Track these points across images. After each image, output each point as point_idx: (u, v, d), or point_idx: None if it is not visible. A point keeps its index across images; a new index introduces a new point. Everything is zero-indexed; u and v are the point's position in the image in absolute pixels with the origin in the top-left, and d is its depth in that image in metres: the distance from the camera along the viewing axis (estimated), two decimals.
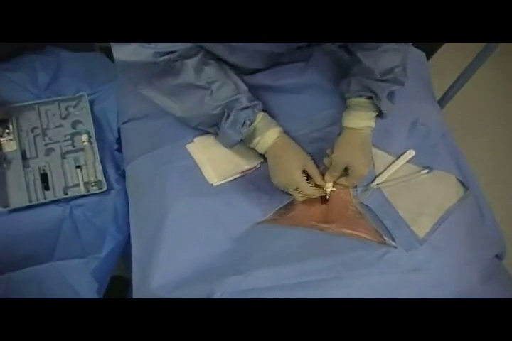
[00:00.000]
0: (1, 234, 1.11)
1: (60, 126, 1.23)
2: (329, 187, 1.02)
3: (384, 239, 0.96)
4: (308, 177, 1.02)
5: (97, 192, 1.16)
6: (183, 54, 0.92)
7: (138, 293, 0.99)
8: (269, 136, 1.02)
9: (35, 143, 1.20)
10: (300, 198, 1.00)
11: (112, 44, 0.94)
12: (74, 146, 1.21)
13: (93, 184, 1.17)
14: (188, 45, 0.93)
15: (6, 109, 1.19)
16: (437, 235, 0.99)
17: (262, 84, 1.14)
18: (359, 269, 0.93)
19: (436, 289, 0.94)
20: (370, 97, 1.01)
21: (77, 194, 1.15)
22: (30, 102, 1.22)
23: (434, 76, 1.35)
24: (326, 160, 1.04)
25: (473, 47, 1.30)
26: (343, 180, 1.03)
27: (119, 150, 1.24)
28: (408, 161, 1.08)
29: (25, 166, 1.16)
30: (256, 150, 1.06)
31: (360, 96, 1.02)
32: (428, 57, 1.40)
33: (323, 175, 1.03)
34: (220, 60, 1.07)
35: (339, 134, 1.05)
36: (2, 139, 1.18)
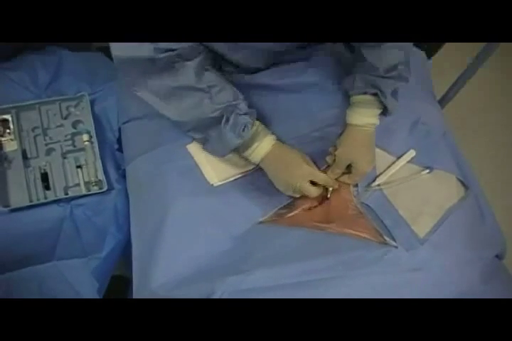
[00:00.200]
0: (1, 234, 1.11)
1: (61, 125, 1.22)
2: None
3: (384, 239, 0.96)
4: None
5: (98, 191, 1.15)
6: (183, 54, 0.91)
7: (138, 292, 0.99)
8: (266, 142, 1.01)
9: (35, 143, 1.19)
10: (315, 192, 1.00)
11: None
12: (74, 146, 1.21)
13: (94, 184, 1.17)
14: (189, 43, 0.93)
15: (6, 109, 1.19)
16: (438, 235, 0.99)
17: (263, 83, 1.14)
18: (359, 269, 0.93)
19: (437, 289, 0.94)
20: (374, 94, 1.01)
21: (78, 194, 1.15)
22: (30, 102, 1.21)
23: (435, 76, 1.35)
24: (328, 158, 1.04)
25: (473, 47, 1.29)
26: (345, 178, 1.03)
27: (120, 150, 1.24)
28: (409, 161, 1.08)
29: (26, 166, 1.16)
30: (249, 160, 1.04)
31: (365, 93, 1.02)
32: (429, 57, 1.40)
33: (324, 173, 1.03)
34: (222, 59, 1.07)
35: (342, 132, 1.05)
36: (3, 139, 1.18)
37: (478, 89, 1.90)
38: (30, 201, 1.13)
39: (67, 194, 1.15)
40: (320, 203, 1.03)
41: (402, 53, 1.00)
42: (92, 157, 1.19)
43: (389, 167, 1.07)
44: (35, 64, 1.29)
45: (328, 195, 1.03)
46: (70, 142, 1.21)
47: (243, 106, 0.98)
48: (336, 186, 1.03)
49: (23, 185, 1.14)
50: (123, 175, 1.20)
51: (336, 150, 1.03)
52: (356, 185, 1.04)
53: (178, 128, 1.04)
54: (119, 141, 1.25)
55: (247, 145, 1.00)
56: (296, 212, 1.02)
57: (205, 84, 0.95)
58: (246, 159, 1.04)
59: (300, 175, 0.99)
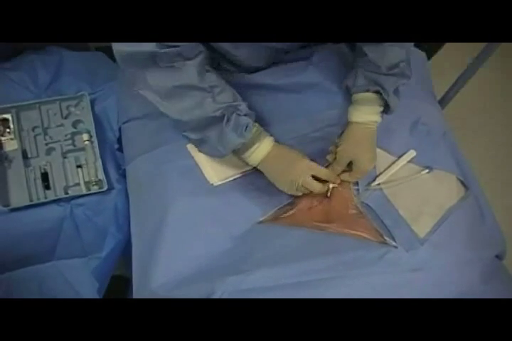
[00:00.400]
0: (1, 234, 1.12)
1: (61, 125, 1.23)
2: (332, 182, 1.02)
3: (384, 239, 0.97)
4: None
5: (98, 191, 1.16)
6: (184, 53, 0.91)
7: (138, 292, 0.99)
8: (266, 143, 1.00)
9: (35, 143, 1.20)
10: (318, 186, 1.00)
11: None
12: (75, 146, 1.21)
13: (94, 183, 1.17)
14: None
15: (6, 108, 1.20)
16: (438, 235, 0.99)
17: (263, 83, 1.14)
18: (359, 269, 0.93)
19: (437, 289, 0.94)
20: (376, 92, 1.01)
21: (78, 193, 1.15)
22: (31, 101, 1.22)
23: (435, 76, 1.35)
24: (329, 157, 1.04)
25: (474, 48, 1.29)
26: (346, 176, 1.03)
27: (120, 149, 1.24)
28: (409, 161, 1.08)
29: (26, 165, 1.17)
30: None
31: (368, 90, 1.02)
32: (429, 57, 1.40)
33: None
34: (222, 58, 1.07)
35: (344, 130, 1.04)
36: (3, 138, 1.18)
37: (478, 89, 1.90)
38: (31, 200, 1.13)
39: (67, 193, 1.15)
40: (320, 202, 1.03)
41: (403, 51, 1.00)
42: (92, 157, 1.20)
43: (389, 167, 1.07)
44: (35, 64, 1.29)
45: (328, 194, 1.03)
46: (70, 142, 1.21)
47: (244, 107, 0.98)
48: (338, 181, 1.02)
49: (23, 185, 1.14)
50: (123, 175, 1.20)
51: (336, 148, 1.03)
52: (356, 184, 1.04)
53: (177, 128, 1.03)
54: (119, 140, 1.25)
55: (246, 146, 0.99)
56: (296, 211, 1.02)
57: (207, 84, 0.95)
58: (244, 161, 1.03)
59: (302, 169, 0.99)
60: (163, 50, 0.88)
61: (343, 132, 1.04)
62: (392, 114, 1.06)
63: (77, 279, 1.13)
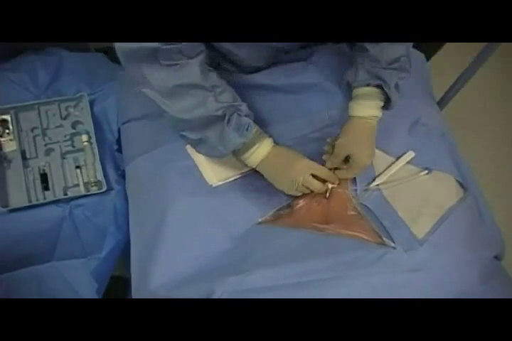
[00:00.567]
0: (0, 234, 1.11)
1: (60, 126, 1.23)
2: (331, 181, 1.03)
3: (383, 240, 0.96)
4: None
5: (97, 192, 1.16)
6: (185, 51, 0.90)
7: (137, 292, 0.99)
8: (265, 144, 1.00)
9: (35, 143, 1.20)
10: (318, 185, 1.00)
11: None
12: (74, 146, 1.21)
13: (93, 184, 1.17)
14: None
15: (5, 109, 1.19)
16: (437, 235, 0.99)
17: (262, 83, 1.14)
18: (359, 269, 0.93)
19: (436, 289, 0.94)
20: (377, 86, 1.01)
21: (77, 194, 1.15)
22: (30, 102, 1.22)
23: (435, 76, 1.35)
24: (326, 147, 1.05)
25: (473, 48, 1.30)
26: (344, 173, 1.03)
27: (119, 150, 1.24)
28: (408, 162, 1.08)
29: (25, 166, 1.16)
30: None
31: (368, 85, 1.02)
32: (428, 58, 1.40)
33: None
34: (222, 58, 1.07)
35: (344, 124, 1.04)
36: (2, 139, 1.18)
37: (477, 89, 1.91)
38: (30, 201, 1.13)
39: (66, 194, 1.15)
40: (318, 204, 1.03)
41: (403, 47, 1.00)
42: (91, 157, 1.19)
43: (388, 167, 1.07)
44: (35, 64, 1.29)
45: (327, 195, 1.02)
46: (69, 142, 1.21)
47: (244, 107, 0.98)
48: (337, 182, 1.03)
49: (22, 186, 1.14)
50: (122, 176, 1.20)
51: (334, 140, 1.03)
52: (355, 185, 1.04)
53: (176, 128, 1.02)
54: (118, 141, 1.25)
55: (246, 147, 0.99)
56: (295, 212, 1.02)
57: (210, 83, 0.95)
58: (243, 162, 1.03)
59: (302, 168, 1.00)
60: (165, 47, 0.87)
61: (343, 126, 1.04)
62: (392, 114, 1.06)
63: (77, 279, 1.13)
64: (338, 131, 1.05)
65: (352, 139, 1.01)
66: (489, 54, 1.28)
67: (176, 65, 0.91)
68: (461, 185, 1.09)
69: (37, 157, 1.19)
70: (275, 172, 1.01)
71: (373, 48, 0.99)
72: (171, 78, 0.92)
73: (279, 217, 1.02)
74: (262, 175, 1.04)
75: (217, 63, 1.11)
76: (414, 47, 1.29)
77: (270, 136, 1.03)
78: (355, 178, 1.05)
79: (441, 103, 1.51)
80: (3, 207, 1.10)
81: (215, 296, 0.90)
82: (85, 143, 1.21)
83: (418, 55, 1.34)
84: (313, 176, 1.00)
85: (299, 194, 1.01)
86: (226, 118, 0.95)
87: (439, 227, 1.00)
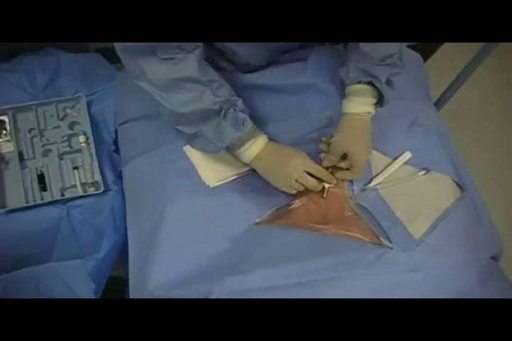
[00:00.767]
0: None
1: (58, 127, 1.22)
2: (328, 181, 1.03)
3: (380, 241, 0.97)
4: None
5: (95, 193, 1.15)
6: (183, 45, 0.90)
7: (135, 293, 0.99)
8: (261, 140, 1.01)
9: (32, 144, 1.19)
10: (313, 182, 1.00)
11: None
12: (71, 147, 1.21)
13: (90, 185, 1.16)
14: None
15: (3, 110, 1.19)
16: (435, 236, 0.99)
17: (260, 83, 1.14)
18: (357, 269, 0.93)
19: (435, 289, 0.94)
20: (369, 83, 1.01)
21: (75, 195, 1.15)
22: (27, 103, 1.21)
23: (432, 77, 1.35)
24: (321, 145, 1.05)
25: (471, 48, 1.30)
26: (346, 174, 1.03)
27: (117, 151, 1.24)
28: (405, 162, 1.08)
29: (23, 167, 1.16)
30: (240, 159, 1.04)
31: (360, 82, 1.02)
32: (426, 58, 1.40)
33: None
34: (221, 56, 1.07)
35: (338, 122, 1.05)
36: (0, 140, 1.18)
37: (475, 90, 1.91)
38: (27, 202, 1.12)
39: (63, 195, 1.15)
40: (316, 204, 1.03)
41: (397, 44, 1.01)
42: (88, 158, 1.19)
43: (385, 168, 1.07)
44: (33, 65, 1.29)
45: (324, 195, 1.02)
46: (67, 143, 1.21)
47: (240, 103, 0.98)
48: (334, 182, 1.03)
49: (19, 186, 1.13)
50: (119, 177, 1.20)
51: (329, 139, 1.03)
52: (352, 185, 1.04)
53: (171, 122, 1.01)
54: (115, 142, 1.25)
55: (241, 142, 0.99)
56: (293, 212, 1.02)
57: (207, 77, 0.95)
58: (237, 158, 1.04)
59: (296, 164, 1.00)
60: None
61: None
62: (390, 114, 1.06)
63: (74, 280, 1.12)
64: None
65: (346, 136, 1.01)
66: (487, 54, 1.29)
67: (173, 58, 0.91)
68: (458, 185, 1.09)
69: (34, 158, 1.18)
70: (269, 168, 1.02)
71: (366, 45, 0.99)
72: (169, 72, 0.92)
73: (277, 217, 1.02)
74: (259, 176, 1.04)
75: (213, 61, 1.10)
76: (411, 47, 1.30)
77: (266, 133, 1.03)
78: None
79: (439, 103, 1.52)
80: (1, 207, 1.10)
81: (213, 296, 0.90)
82: (83, 144, 1.20)
83: (415, 56, 1.34)
84: (308, 174, 1.00)
85: (294, 191, 1.01)
86: (222, 112, 0.95)
87: (436, 228, 1.00)
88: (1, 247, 1.11)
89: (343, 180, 1.04)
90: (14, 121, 1.20)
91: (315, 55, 1.17)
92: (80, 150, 1.21)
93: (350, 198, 1.03)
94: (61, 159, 1.19)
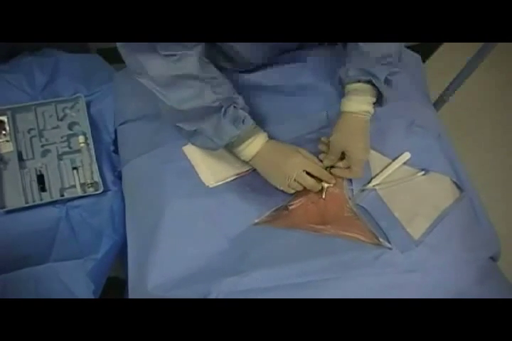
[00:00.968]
0: None
1: (57, 127, 1.22)
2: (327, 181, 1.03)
3: (379, 241, 0.96)
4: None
5: (94, 193, 1.15)
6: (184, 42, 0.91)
7: (134, 293, 0.99)
8: (260, 137, 1.01)
9: (31, 145, 1.19)
10: (311, 181, 1.00)
11: None
12: (70, 148, 1.21)
13: (89, 185, 1.17)
14: None
15: (2, 110, 1.19)
16: (433, 236, 0.99)
17: (260, 84, 1.14)
18: (356, 269, 0.93)
19: (433, 290, 0.94)
20: (368, 82, 1.01)
21: (74, 195, 1.15)
22: (26, 103, 1.21)
23: (431, 77, 1.35)
24: (320, 146, 1.05)
25: (470, 49, 1.30)
26: (345, 171, 1.03)
27: (116, 151, 1.24)
28: (404, 163, 1.08)
29: (22, 167, 1.16)
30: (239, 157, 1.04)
31: (359, 81, 1.02)
32: (425, 58, 1.40)
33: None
34: (220, 53, 1.07)
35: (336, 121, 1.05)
36: None
37: (474, 90, 1.91)
38: (26, 202, 1.12)
39: (62, 195, 1.15)
40: (315, 204, 1.03)
41: (396, 44, 1.00)
42: (87, 159, 1.19)
43: (384, 168, 1.07)
44: (31, 66, 1.29)
45: (323, 196, 1.02)
46: (66, 144, 1.21)
47: (241, 100, 0.99)
48: (333, 182, 1.03)
49: (18, 187, 1.14)
50: (119, 177, 1.20)
51: (328, 139, 1.03)
52: (351, 185, 1.04)
53: (169, 120, 1.01)
54: (115, 142, 1.25)
55: (241, 139, 0.99)
56: (291, 213, 1.02)
57: (208, 74, 0.95)
58: (236, 156, 1.04)
59: (295, 163, 1.00)
60: None
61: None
62: (388, 115, 1.06)
63: (73, 281, 1.13)
64: None
65: (344, 134, 1.01)
66: (486, 54, 1.28)
67: (174, 55, 0.91)
68: (457, 186, 1.09)
69: (33, 158, 1.18)
70: (269, 167, 1.01)
71: (365, 44, 0.99)
72: (169, 68, 0.92)
73: (276, 217, 1.02)
74: (259, 176, 1.04)
75: (213, 60, 1.10)
76: (410, 48, 1.30)
77: (265, 131, 1.04)
78: (351, 179, 1.05)
79: (439, 103, 1.51)
80: (0, 208, 1.10)
81: (212, 297, 0.90)
82: (82, 145, 1.20)
83: (414, 56, 1.34)
84: (307, 174, 1.00)
85: (292, 191, 1.01)
86: (222, 110, 0.96)
87: (435, 228, 1.00)
88: (0, 247, 1.11)
89: (341, 178, 1.04)
90: (13, 122, 1.20)
91: (314, 55, 1.17)
92: (79, 151, 1.21)
93: (350, 199, 1.03)
94: (60, 159, 1.19)
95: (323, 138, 1.06)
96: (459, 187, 1.08)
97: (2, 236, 1.12)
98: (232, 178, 1.06)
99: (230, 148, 1.02)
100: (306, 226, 0.99)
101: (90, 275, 1.12)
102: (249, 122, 0.99)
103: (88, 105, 1.26)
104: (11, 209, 1.11)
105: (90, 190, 1.16)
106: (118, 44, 0.91)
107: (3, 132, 1.19)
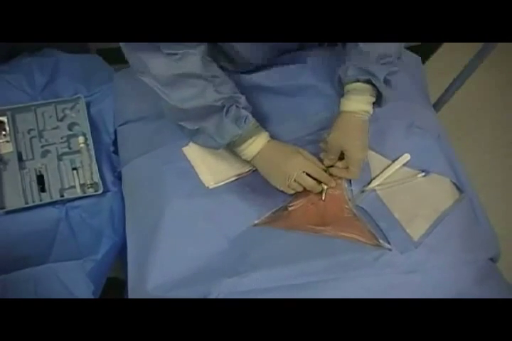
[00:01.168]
0: None
1: (57, 127, 1.22)
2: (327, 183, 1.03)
3: (379, 242, 0.96)
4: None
5: (93, 194, 1.15)
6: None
7: (133, 294, 0.99)
8: (262, 137, 1.01)
9: (31, 145, 1.19)
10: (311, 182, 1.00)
11: None
12: (70, 148, 1.21)
13: (89, 186, 1.16)
14: None
15: (2, 111, 1.19)
16: (433, 237, 0.99)
17: (259, 85, 1.14)
18: (355, 270, 0.93)
19: (433, 290, 0.94)
20: (367, 81, 1.00)
21: (74, 196, 1.15)
22: (26, 104, 1.21)
23: (431, 78, 1.35)
24: (321, 144, 1.05)
25: (470, 50, 1.30)
26: (344, 172, 1.02)
27: (116, 152, 1.24)
28: (404, 164, 1.08)
29: (22, 168, 1.16)
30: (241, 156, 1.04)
31: (358, 80, 1.01)
32: (425, 59, 1.40)
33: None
34: (221, 53, 1.07)
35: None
36: None
37: (474, 91, 1.91)
38: (26, 203, 1.12)
39: (62, 196, 1.15)
40: (315, 206, 1.03)
41: (396, 44, 1.00)
42: (87, 159, 1.19)
43: (384, 170, 1.07)
44: (31, 66, 1.29)
45: (323, 197, 1.02)
46: (66, 144, 1.21)
47: (243, 100, 0.99)
48: (333, 184, 1.02)
49: (18, 187, 1.13)
50: (118, 178, 1.20)
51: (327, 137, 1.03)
52: (351, 186, 1.04)
53: (171, 119, 1.02)
54: (114, 143, 1.25)
55: (243, 139, 0.99)
56: (291, 214, 1.02)
57: (210, 73, 0.95)
58: (238, 155, 1.04)
59: (296, 163, 1.00)
60: None
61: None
62: (388, 116, 1.06)
63: (73, 281, 1.12)
64: None
65: (342, 133, 1.01)
66: (486, 55, 1.28)
67: (176, 54, 0.91)
68: (457, 187, 1.08)
69: (33, 159, 1.18)
70: (269, 166, 1.01)
71: (365, 44, 0.99)
72: (172, 67, 0.92)
73: (276, 218, 1.02)
74: (259, 177, 1.04)
75: (213, 60, 1.10)
76: (410, 48, 1.30)
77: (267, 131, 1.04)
78: (351, 180, 1.05)
79: (439, 104, 1.52)
80: (0, 208, 1.10)
81: (212, 297, 0.90)
82: (82, 145, 1.20)
83: (414, 57, 1.34)
84: (307, 175, 1.00)
85: (292, 191, 1.01)
86: (225, 109, 0.96)
87: (434, 229, 1.00)
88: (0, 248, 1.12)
89: (340, 178, 1.04)
90: (13, 122, 1.20)
91: (314, 56, 1.17)
92: (79, 151, 1.21)
93: (349, 200, 1.02)
94: (60, 160, 1.19)
95: (325, 135, 1.05)
96: (458, 188, 1.08)
97: (2, 237, 1.11)
98: (232, 179, 1.06)
99: (232, 147, 1.02)
100: (306, 227, 0.99)
101: (90, 276, 1.12)
102: (251, 121, 0.99)
103: (88, 105, 1.26)
104: (11, 209, 1.11)
105: (90, 191, 1.16)
106: (120, 43, 0.91)
107: (3, 132, 1.19)
